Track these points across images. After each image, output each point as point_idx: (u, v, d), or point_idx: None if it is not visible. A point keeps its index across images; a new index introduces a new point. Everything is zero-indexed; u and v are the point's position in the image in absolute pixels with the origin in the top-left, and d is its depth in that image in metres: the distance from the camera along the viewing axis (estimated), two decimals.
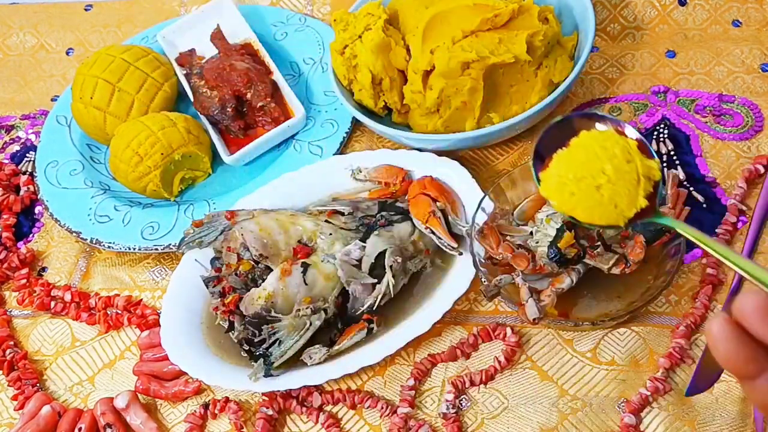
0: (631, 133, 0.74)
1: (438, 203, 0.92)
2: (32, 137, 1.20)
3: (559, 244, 0.80)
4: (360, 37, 1.00)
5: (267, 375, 0.85)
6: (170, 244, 1.00)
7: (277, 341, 0.85)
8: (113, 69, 1.09)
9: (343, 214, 0.94)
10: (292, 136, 1.08)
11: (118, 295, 1.00)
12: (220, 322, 0.89)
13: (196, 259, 0.96)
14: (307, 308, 0.86)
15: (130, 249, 1.01)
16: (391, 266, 0.87)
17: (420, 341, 0.88)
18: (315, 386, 0.86)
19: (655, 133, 0.98)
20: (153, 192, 1.04)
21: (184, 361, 0.87)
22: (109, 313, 0.98)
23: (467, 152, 1.02)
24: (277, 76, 1.11)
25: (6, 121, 1.24)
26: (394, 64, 0.99)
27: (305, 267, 0.89)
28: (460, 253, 0.89)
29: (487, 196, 0.89)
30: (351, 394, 0.86)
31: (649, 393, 0.79)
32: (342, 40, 1.01)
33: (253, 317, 0.86)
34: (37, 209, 1.13)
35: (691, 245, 0.87)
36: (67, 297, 1.00)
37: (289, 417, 0.87)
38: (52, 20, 1.33)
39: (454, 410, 0.83)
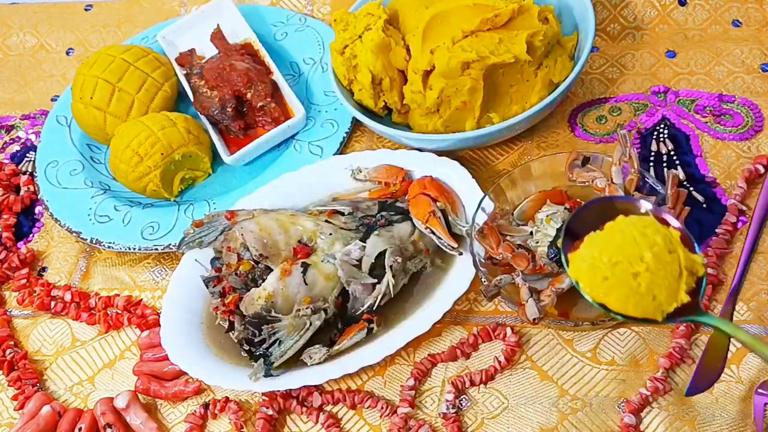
0: (674, 222, 0.70)
1: (438, 203, 0.92)
2: (32, 137, 1.20)
3: (559, 244, 0.80)
4: (360, 37, 1.00)
5: (267, 375, 0.85)
6: (170, 244, 1.00)
7: (277, 341, 0.85)
8: (113, 69, 1.09)
9: (343, 214, 0.94)
10: (292, 136, 1.08)
11: (118, 295, 1.00)
12: (220, 322, 0.89)
13: (196, 259, 0.96)
14: (307, 308, 0.86)
15: (130, 249, 1.01)
16: (391, 266, 0.87)
17: (420, 341, 0.88)
18: (315, 386, 0.86)
19: (655, 133, 0.98)
20: (153, 192, 1.04)
21: (184, 361, 0.87)
22: (109, 313, 0.98)
23: (467, 152, 1.02)
24: (277, 76, 1.11)
25: (6, 121, 1.24)
26: (394, 64, 0.99)
27: (305, 267, 0.89)
28: (460, 253, 0.89)
29: (487, 196, 0.89)
30: (351, 394, 0.86)
31: (649, 393, 0.79)
32: (342, 40, 1.01)
33: (253, 317, 0.86)
34: (37, 209, 1.13)
35: None
36: (67, 297, 1.00)
37: (289, 417, 0.87)
38: (52, 20, 1.33)
39: (454, 410, 0.83)
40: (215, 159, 1.09)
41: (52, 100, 1.25)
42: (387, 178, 0.97)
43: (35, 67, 1.30)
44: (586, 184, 0.86)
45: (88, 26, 1.31)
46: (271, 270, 0.90)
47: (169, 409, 0.90)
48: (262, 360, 0.85)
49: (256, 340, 0.86)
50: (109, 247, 1.02)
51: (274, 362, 0.85)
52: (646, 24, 1.08)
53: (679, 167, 0.94)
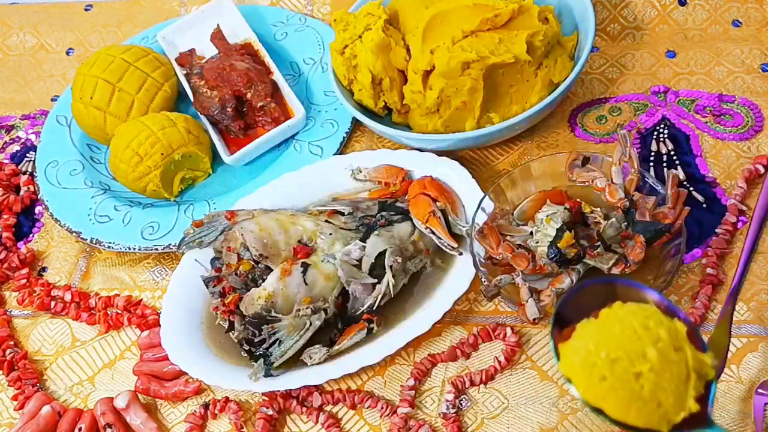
0: (680, 313, 0.63)
1: (438, 203, 0.92)
2: (32, 137, 1.20)
3: (559, 244, 0.80)
4: (360, 37, 1.00)
5: (267, 375, 0.85)
6: (170, 244, 1.00)
7: (277, 341, 0.85)
8: (113, 69, 1.09)
9: (343, 214, 0.94)
10: (292, 136, 1.08)
11: (118, 295, 1.00)
12: (220, 322, 0.89)
13: (196, 259, 0.96)
14: (307, 308, 0.86)
15: (130, 249, 1.01)
16: (391, 266, 0.87)
17: (420, 341, 0.88)
18: (315, 386, 0.86)
19: (655, 133, 0.98)
20: (153, 192, 1.04)
21: (184, 361, 0.87)
22: (109, 313, 0.98)
23: (467, 152, 1.02)
24: (277, 76, 1.11)
25: (6, 121, 1.24)
26: (394, 64, 0.99)
27: (305, 267, 0.89)
28: (460, 253, 0.89)
29: (487, 196, 0.89)
30: (351, 394, 0.86)
31: None
32: (342, 40, 1.01)
33: (253, 317, 0.86)
34: (37, 209, 1.13)
35: (691, 245, 0.87)
36: (67, 297, 1.00)
37: (289, 417, 0.87)
38: (52, 20, 1.33)
39: (454, 410, 0.83)
40: (215, 159, 1.09)
41: (52, 100, 1.25)
42: (387, 178, 0.97)
43: (35, 67, 1.30)
44: (586, 184, 0.87)
45: (88, 26, 1.31)
46: (271, 270, 0.90)
47: (169, 409, 0.90)
48: (262, 360, 0.85)
49: (256, 340, 0.86)
50: (109, 247, 1.02)
51: (274, 362, 0.85)
52: (646, 24, 1.08)
53: (679, 167, 0.94)
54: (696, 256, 0.87)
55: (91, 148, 1.14)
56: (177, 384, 0.90)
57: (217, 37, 1.16)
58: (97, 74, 1.09)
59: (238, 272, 0.91)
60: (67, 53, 1.30)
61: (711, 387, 0.60)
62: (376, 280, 0.88)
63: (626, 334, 0.59)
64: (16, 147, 1.20)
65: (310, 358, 0.86)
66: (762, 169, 0.92)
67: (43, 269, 1.06)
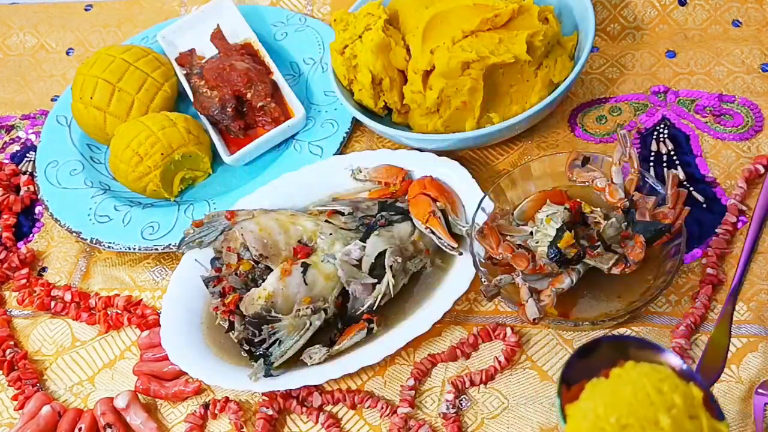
0: (697, 379, 0.59)
1: (438, 203, 0.92)
2: (32, 137, 1.20)
3: (559, 244, 0.80)
4: (360, 37, 1.00)
5: (267, 375, 0.85)
6: (170, 244, 1.00)
7: (277, 341, 0.85)
8: (113, 69, 1.09)
9: (343, 214, 0.94)
10: (292, 136, 1.08)
11: (118, 295, 1.00)
12: (220, 322, 0.89)
13: (196, 259, 0.96)
14: (307, 308, 0.86)
15: (130, 249, 1.01)
16: (391, 266, 0.87)
17: (420, 341, 0.88)
18: (315, 386, 0.86)
19: (655, 133, 0.98)
20: (153, 192, 1.04)
21: (184, 361, 0.87)
22: (109, 313, 0.98)
23: (467, 152, 1.02)
24: (277, 76, 1.11)
25: (6, 121, 1.24)
26: (394, 64, 0.99)
27: (305, 267, 0.89)
28: (460, 253, 0.89)
29: (487, 196, 0.89)
30: (351, 394, 0.86)
31: None
32: (342, 40, 1.01)
33: (253, 317, 0.86)
34: (37, 209, 1.13)
35: (691, 245, 0.87)
36: (67, 297, 1.00)
37: (289, 417, 0.87)
38: (52, 20, 1.33)
39: (454, 410, 0.83)
40: (215, 159, 1.09)
41: (52, 100, 1.25)
42: (387, 178, 0.97)
43: (35, 67, 1.30)
44: (586, 184, 0.87)
45: (88, 26, 1.31)
46: (271, 270, 0.90)
47: (169, 409, 0.90)
48: (262, 360, 0.85)
49: (256, 340, 0.86)
50: (109, 247, 1.02)
51: (274, 362, 0.85)
52: (646, 24, 1.08)
53: (679, 167, 0.94)
54: (696, 256, 0.87)
55: (91, 148, 1.14)
56: (177, 384, 0.90)
57: (217, 37, 1.16)
58: (97, 74, 1.09)
59: (238, 272, 0.91)
60: (67, 53, 1.30)
61: None
62: (376, 280, 0.88)
63: (638, 398, 0.56)
64: (16, 147, 1.20)
65: (310, 358, 0.86)
66: (762, 169, 0.92)
67: (43, 269, 1.06)
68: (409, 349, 0.88)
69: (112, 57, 1.10)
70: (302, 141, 1.07)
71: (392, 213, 0.94)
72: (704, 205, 0.91)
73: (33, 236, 1.10)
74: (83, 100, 1.09)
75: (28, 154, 1.18)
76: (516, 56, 0.93)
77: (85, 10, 1.33)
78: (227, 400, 0.88)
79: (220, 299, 0.90)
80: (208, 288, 0.92)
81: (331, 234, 0.92)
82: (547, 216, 0.84)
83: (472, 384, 0.84)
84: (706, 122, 0.97)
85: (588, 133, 1.00)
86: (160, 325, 0.91)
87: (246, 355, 0.87)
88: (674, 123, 0.98)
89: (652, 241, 0.81)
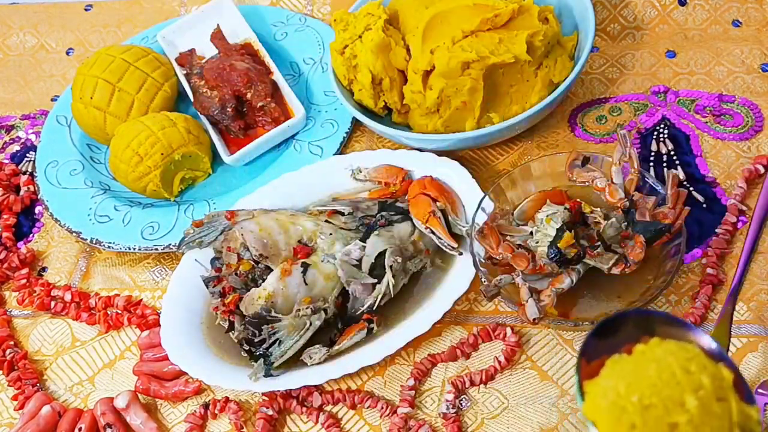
0: (728, 360, 0.55)
1: (438, 203, 0.92)
2: (32, 137, 1.20)
3: (559, 244, 0.80)
4: (360, 37, 1.00)
5: (267, 375, 0.85)
6: (170, 244, 1.00)
7: (277, 341, 0.85)
8: (113, 69, 1.09)
9: (343, 214, 0.94)
10: (292, 136, 1.08)
11: (118, 295, 1.00)
12: (220, 322, 0.89)
13: (196, 259, 0.96)
14: (307, 308, 0.86)
15: (130, 249, 1.01)
16: (391, 266, 0.87)
17: (420, 341, 0.88)
18: (315, 386, 0.86)
19: (655, 133, 0.98)
20: (153, 192, 1.04)
21: (184, 361, 0.87)
22: (109, 313, 0.98)
23: (467, 152, 1.02)
24: (277, 76, 1.11)
25: (6, 121, 1.24)
26: (394, 64, 0.99)
27: (305, 267, 0.89)
28: (460, 253, 0.89)
29: (487, 196, 0.89)
30: (351, 394, 0.86)
31: None
32: (342, 40, 1.01)
33: (253, 317, 0.86)
34: (37, 209, 1.13)
35: (691, 245, 0.87)
36: (67, 297, 1.00)
37: (289, 417, 0.87)
38: (52, 20, 1.33)
39: (454, 410, 0.83)
40: (215, 159, 1.09)
41: (52, 100, 1.25)
42: (387, 178, 0.97)
43: (35, 67, 1.30)
44: (586, 184, 0.87)
45: (88, 26, 1.31)
46: (271, 270, 0.90)
47: (169, 409, 0.90)
48: (262, 360, 0.85)
49: (256, 340, 0.86)
50: (109, 247, 1.02)
51: (274, 362, 0.85)
52: (646, 24, 1.08)
53: (679, 167, 0.94)
54: (696, 256, 0.87)
55: (91, 148, 1.14)
56: (177, 384, 0.90)
57: (217, 37, 1.16)
58: (97, 74, 1.09)
59: (238, 272, 0.91)
60: (67, 53, 1.30)
61: None
62: (376, 280, 0.88)
63: (663, 378, 0.52)
64: (16, 147, 1.20)
65: (310, 358, 0.86)
66: (762, 169, 0.92)
67: (43, 269, 1.06)
68: (409, 349, 0.88)
69: (112, 57, 1.10)
70: (302, 141, 1.07)
71: (392, 213, 0.94)
72: (704, 205, 0.91)
73: (33, 236, 1.10)
74: (83, 100, 1.09)
75: (28, 154, 1.18)
76: (516, 56, 0.93)
77: (85, 10, 1.33)
78: (227, 400, 0.88)
79: (220, 299, 0.90)
80: (208, 288, 0.92)
81: (331, 234, 0.92)
82: (547, 216, 0.84)
83: (472, 384, 0.84)
84: (706, 122, 0.98)
85: (588, 133, 1.00)
86: (160, 325, 0.91)
87: (246, 355, 0.87)
88: (674, 123, 0.98)
89: (652, 241, 0.81)
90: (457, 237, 0.90)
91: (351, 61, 1.01)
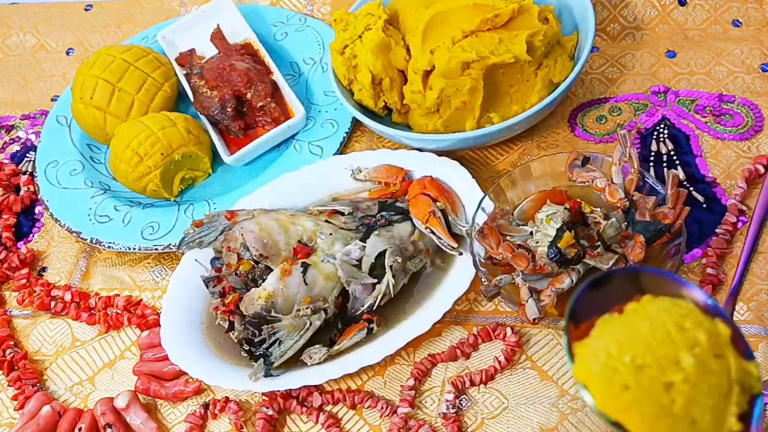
0: (724, 315, 0.53)
1: (438, 203, 0.92)
2: (32, 137, 1.20)
3: (559, 244, 0.80)
4: (360, 37, 1.00)
5: (267, 375, 0.85)
6: (170, 244, 1.00)
7: (277, 341, 0.85)
8: (113, 69, 1.09)
9: (343, 214, 0.94)
10: (292, 136, 1.08)
11: (118, 295, 1.00)
12: (220, 322, 0.89)
13: (196, 259, 0.96)
14: (307, 308, 0.86)
15: (130, 249, 1.01)
16: (391, 266, 0.87)
17: (420, 341, 0.88)
18: (315, 386, 0.86)
19: (655, 133, 0.98)
20: (153, 192, 1.04)
21: (184, 361, 0.87)
22: (109, 313, 0.98)
23: (467, 152, 1.02)
24: (277, 76, 1.11)
25: (6, 121, 1.24)
26: (394, 64, 0.99)
27: (305, 267, 0.89)
28: (460, 253, 0.89)
29: (487, 196, 0.89)
30: (351, 394, 0.86)
31: None
32: (342, 40, 1.01)
33: (253, 317, 0.86)
34: (37, 209, 1.13)
35: (691, 245, 0.87)
36: (67, 297, 1.00)
37: (289, 417, 0.87)
38: (52, 20, 1.33)
39: (454, 410, 0.83)
40: (215, 159, 1.09)
41: (52, 100, 1.25)
42: (387, 178, 0.97)
43: (35, 67, 1.30)
44: (586, 184, 0.87)
45: (88, 26, 1.31)
46: (271, 270, 0.90)
47: (169, 409, 0.90)
48: (262, 360, 0.85)
49: (256, 340, 0.86)
50: (109, 247, 1.02)
51: (274, 362, 0.85)
52: (646, 24, 1.08)
53: (679, 167, 0.94)
54: (696, 256, 0.87)
55: (91, 148, 1.14)
56: (177, 384, 0.90)
57: (217, 37, 1.16)
58: (97, 74, 1.09)
59: (238, 272, 0.91)
60: (67, 53, 1.30)
61: (757, 403, 0.50)
62: (376, 280, 0.88)
63: (656, 336, 0.50)
64: (16, 147, 1.20)
65: (310, 358, 0.86)
66: (762, 169, 0.92)
67: (43, 269, 1.06)
68: (409, 349, 0.88)
69: (112, 57, 1.10)
70: (302, 141, 1.07)
71: (392, 213, 0.94)
72: (704, 205, 0.91)
73: (33, 236, 1.10)
74: (83, 100, 1.09)
75: (28, 154, 1.18)
76: (516, 56, 0.93)
77: (85, 10, 1.33)
78: (227, 400, 0.88)
79: (220, 299, 0.90)
80: (208, 288, 0.92)
81: (331, 234, 0.92)
82: (547, 216, 0.84)
83: (472, 384, 0.84)
84: (706, 122, 0.98)
85: (588, 133, 1.00)
86: (160, 325, 0.91)
87: (246, 355, 0.87)
88: (674, 123, 0.98)
89: (652, 241, 0.81)
90: (457, 237, 0.90)
91: (351, 61, 1.01)
